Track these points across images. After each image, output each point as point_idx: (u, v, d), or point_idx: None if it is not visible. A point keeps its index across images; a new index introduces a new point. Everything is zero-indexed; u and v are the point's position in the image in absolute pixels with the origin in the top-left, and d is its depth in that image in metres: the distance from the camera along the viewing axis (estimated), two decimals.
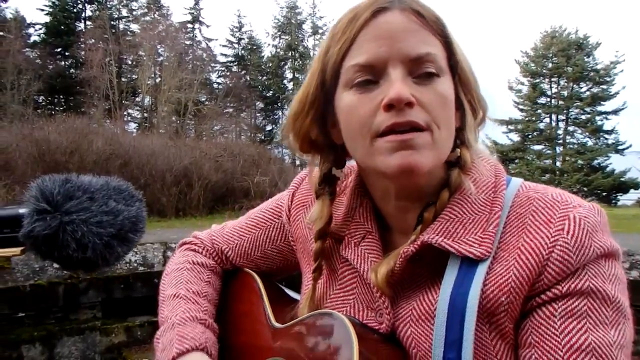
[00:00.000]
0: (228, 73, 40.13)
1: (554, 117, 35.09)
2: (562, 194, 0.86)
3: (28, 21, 33.96)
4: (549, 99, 35.09)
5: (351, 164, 1.01)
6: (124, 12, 36.70)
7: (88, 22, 35.67)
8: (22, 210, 1.03)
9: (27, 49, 32.06)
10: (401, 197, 0.90)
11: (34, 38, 34.34)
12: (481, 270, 0.82)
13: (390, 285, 0.88)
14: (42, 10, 34.24)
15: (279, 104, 39.98)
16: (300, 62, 39.78)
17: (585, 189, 29.99)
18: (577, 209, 0.82)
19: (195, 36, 39.08)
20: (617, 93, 33.73)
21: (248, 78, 39.61)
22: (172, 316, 1.04)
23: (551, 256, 0.79)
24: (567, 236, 0.79)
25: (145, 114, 33.63)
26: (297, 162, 36.61)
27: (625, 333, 0.78)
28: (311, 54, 39.58)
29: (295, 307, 1.03)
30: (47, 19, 34.41)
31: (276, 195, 1.20)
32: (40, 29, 34.57)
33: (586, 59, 34.37)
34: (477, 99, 0.90)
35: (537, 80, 35.11)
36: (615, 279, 0.80)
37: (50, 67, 33.54)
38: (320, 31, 39.55)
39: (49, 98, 34.50)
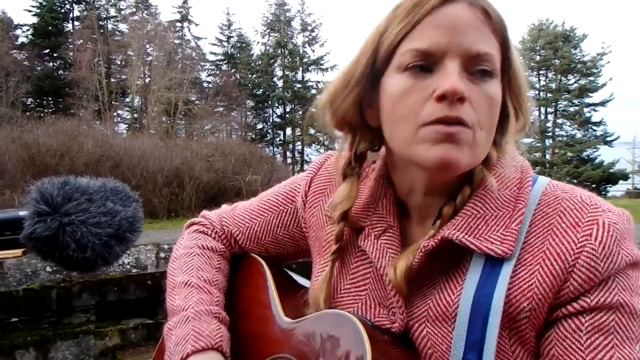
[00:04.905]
0: (218, 72, 39.96)
1: (542, 109, 35.31)
2: (592, 197, 0.84)
3: (15, 22, 33.63)
4: (537, 92, 35.29)
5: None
6: (112, 12, 36.36)
7: (76, 23, 35.38)
8: (22, 213, 1.07)
9: (14, 51, 31.73)
10: (429, 192, 0.88)
11: (21, 39, 33.98)
12: (506, 272, 0.79)
13: (405, 282, 0.85)
14: (30, 11, 33.81)
15: (269, 102, 39.90)
16: (290, 60, 39.70)
17: (575, 180, 30.18)
18: (607, 213, 0.80)
19: (184, 35, 38.86)
20: (604, 84, 34.08)
21: (238, 76, 39.46)
22: (185, 306, 1.03)
23: (577, 262, 0.77)
24: (594, 242, 0.77)
25: (135, 115, 33.43)
26: (289, 161, 36.73)
27: None
28: (300, 51, 39.54)
29: (304, 296, 1.01)
30: (35, 20, 34.00)
31: (290, 178, 1.17)
32: (28, 30, 34.18)
33: (573, 51, 34.65)
34: (524, 107, 0.88)
35: (526, 73, 35.22)
36: None
37: (39, 68, 33.18)
38: (309, 28, 39.51)
39: (38, 100, 34.14)
